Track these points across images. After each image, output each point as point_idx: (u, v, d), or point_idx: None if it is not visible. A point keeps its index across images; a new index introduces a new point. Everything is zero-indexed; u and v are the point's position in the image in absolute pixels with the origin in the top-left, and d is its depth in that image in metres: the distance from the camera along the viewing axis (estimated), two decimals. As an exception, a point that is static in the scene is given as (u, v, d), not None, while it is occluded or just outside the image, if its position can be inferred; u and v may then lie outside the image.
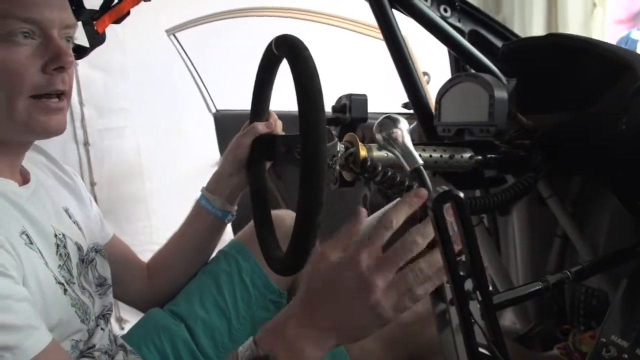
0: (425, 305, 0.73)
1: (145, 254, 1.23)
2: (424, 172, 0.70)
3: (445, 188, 0.61)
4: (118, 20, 1.17)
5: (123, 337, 1.09)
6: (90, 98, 2.76)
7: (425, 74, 1.56)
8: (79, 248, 0.93)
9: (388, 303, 0.67)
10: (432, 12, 1.19)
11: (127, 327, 2.40)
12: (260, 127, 1.06)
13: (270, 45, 0.91)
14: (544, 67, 1.16)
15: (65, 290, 0.83)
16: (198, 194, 1.16)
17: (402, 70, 1.22)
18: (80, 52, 1.05)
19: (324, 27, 2.15)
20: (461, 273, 0.62)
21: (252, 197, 1.06)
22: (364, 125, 1.05)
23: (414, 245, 0.67)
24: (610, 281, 1.13)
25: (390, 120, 0.75)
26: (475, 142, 1.05)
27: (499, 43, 1.28)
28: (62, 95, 0.84)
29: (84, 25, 1.12)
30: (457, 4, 1.26)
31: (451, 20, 1.25)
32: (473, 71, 1.18)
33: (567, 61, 1.11)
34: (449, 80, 1.13)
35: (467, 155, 1.03)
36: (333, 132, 0.95)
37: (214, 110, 2.88)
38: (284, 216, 1.15)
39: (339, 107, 1.05)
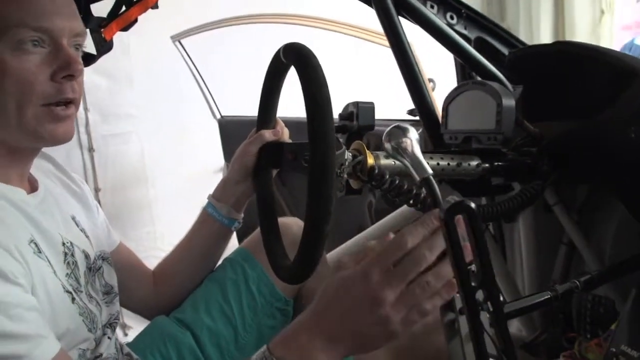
0: (433, 314, 0.73)
1: (149, 260, 1.23)
2: (434, 182, 0.70)
3: (456, 198, 0.61)
4: (126, 28, 1.17)
5: (129, 345, 1.09)
6: (95, 104, 2.76)
7: (430, 80, 1.56)
8: (87, 256, 0.93)
9: (397, 317, 0.67)
10: (438, 19, 1.19)
11: (131, 333, 2.40)
12: (267, 134, 1.06)
13: (278, 53, 0.91)
14: (550, 74, 1.16)
15: (73, 299, 0.83)
16: (203, 200, 1.16)
17: (408, 77, 1.22)
18: (88, 59, 1.05)
19: (330, 34, 2.15)
20: (472, 284, 0.62)
21: (259, 204, 1.05)
22: (370, 132, 1.05)
23: (423, 259, 0.67)
24: (618, 289, 1.12)
25: (399, 130, 0.75)
26: (482, 150, 1.05)
27: (504, 50, 1.28)
28: (71, 103, 0.84)
29: (91, 32, 1.13)
30: (463, 11, 1.26)
31: (457, 28, 1.25)
32: (479, 78, 1.18)
33: (574, 69, 1.11)
34: (456, 88, 1.13)
35: (474, 163, 1.03)
36: (340, 140, 0.95)
37: (218, 117, 2.89)
38: (291, 224, 1.15)
39: (346, 115, 1.04)
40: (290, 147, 1.01)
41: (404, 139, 0.74)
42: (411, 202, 0.90)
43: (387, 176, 0.87)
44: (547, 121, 1.12)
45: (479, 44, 1.27)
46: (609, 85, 1.03)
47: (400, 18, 1.19)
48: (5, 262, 0.72)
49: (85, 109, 2.72)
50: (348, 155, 0.87)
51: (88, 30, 1.07)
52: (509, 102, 1.03)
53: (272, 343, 0.73)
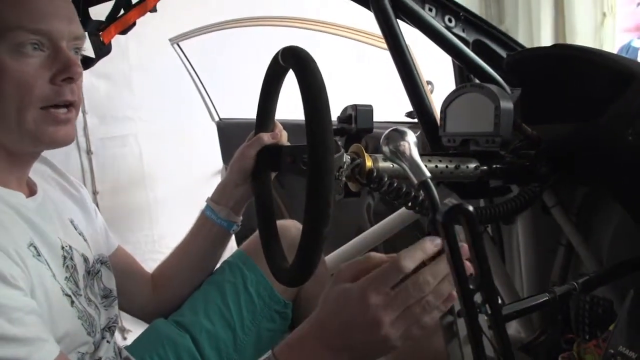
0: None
1: (148, 263, 1.23)
2: (432, 185, 0.70)
3: (454, 201, 0.61)
4: (124, 31, 1.18)
5: (127, 348, 1.09)
6: (94, 106, 2.77)
7: (428, 83, 1.56)
8: (85, 260, 0.93)
9: (396, 334, 0.68)
10: (436, 22, 1.19)
11: (130, 337, 2.40)
12: (266, 137, 1.06)
13: (276, 56, 0.91)
14: (548, 77, 1.16)
15: (72, 303, 0.83)
16: (201, 202, 1.16)
17: (406, 80, 1.22)
18: (87, 62, 1.06)
19: (329, 37, 2.15)
20: (470, 286, 0.62)
21: (258, 207, 1.05)
22: (369, 135, 1.05)
23: (426, 285, 0.67)
24: (616, 290, 1.13)
25: (397, 133, 0.75)
26: (480, 153, 1.05)
27: (503, 53, 1.28)
28: (71, 106, 0.84)
29: (90, 36, 1.13)
30: (461, 14, 1.26)
31: (455, 30, 1.25)
32: (477, 81, 1.18)
33: (572, 72, 1.11)
34: (454, 91, 1.13)
35: (472, 165, 1.03)
36: (339, 142, 0.95)
37: (217, 119, 2.89)
38: (289, 226, 1.15)
39: (345, 118, 1.04)
40: (288, 150, 1.01)
41: (401, 142, 0.74)
42: (409, 204, 0.90)
43: (386, 179, 0.87)
44: (545, 124, 1.12)
45: (477, 47, 1.28)
46: (607, 88, 1.03)
47: (399, 21, 1.19)
48: (4, 265, 0.72)
49: (84, 112, 2.72)
50: (346, 158, 0.87)
51: (86, 33, 1.07)
52: (507, 104, 1.03)
53: (278, 348, 0.74)
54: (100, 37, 1.16)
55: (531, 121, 1.10)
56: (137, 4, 1.22)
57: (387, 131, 0.76)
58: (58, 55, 0.81)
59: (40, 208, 0.88)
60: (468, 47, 1.23)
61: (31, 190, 0.90)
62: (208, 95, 2.85)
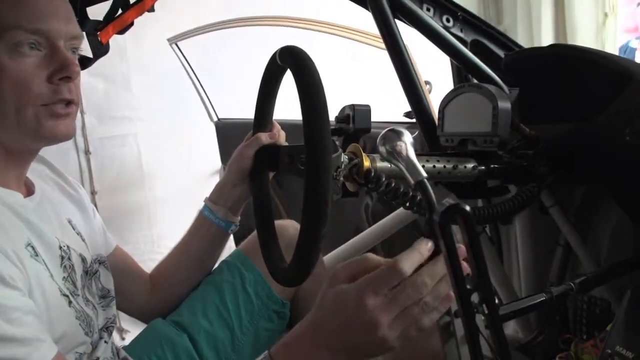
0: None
1: (146, 263, 1.23)
2: (428, 185, 0.70)
3: (451, 201, 0.61)
4: (122, 31, 1.18)
5: (125, 348, 1.09)
6: (92, 106, 2.76)
7: (427, 83, 1.56)
8: (83, 260, 0.93)
9: (394, 335, 0.68)
10: (434, 22, 1.19)
11: (128, 337, 2.40)
12: (264, 137, 1.06)
13: (274, 56, 0.91)
14: (547, 77, 1.17)
15: (70, 303, 0.83)
16: (200, 202, 1.16)
17: (404, 80, 1.22)
18: (84, 62, 1.05)
19: (326, 37, 2.15)
20: (468, 286, 0.62)
21: (256, 207, 1.05)
22: (366, 135, 1.05)
23: (424, 287, 0.67)
24: (614, 290, 1.13)
25: (394, 133, 0.75)
26: (478, 153, 1.05)
27: (500, 53, 1.28)
28: (70, 102, 0.84)
29: (88, 36, 1.13)
30: (459, 13, 1.26)
31: (453, 30, 1.25)
32: (475, 81, 1.18)
33: (570, 71, 1.12)
34: (452, 91, 1.13)
35: (470, 165, 1.03)
36: (336, 142, 0.95)
37: (215, 119, 2.89)
38: (287, 226, 1.16)
39: (343, 118, 1.04)
40: (286, 150, 1.01)
41: (398, 143, 0.74)
42: (407, 204, 0.90)
43: (383, 179, 0.87)
44: (543, 124, 1.12)
45: (475, 47, 1.28)
46: (605, 88, 1.03)
47: (397, 21, 1.19)
48: (2, 265, 0.72)
49: (82, 112, 2.71)
50: (344, 158, 0.87)
51: (84, 33, 1.07)
52: (504, 104, 1.03)
53: (275, 349, 0.74)
54: (98, 37, 1.16)
55: (529, 121, 1.10)
56: (134, 3, 1.22)
57: (383, 131, 0.76)
58: (55, 55, 0.81)
59: (38, 208, 0.88)
60: (466, 47, 1.24)
61: (29, 190, 0.90)
62: (206, 95, 2.85)
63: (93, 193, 2.78)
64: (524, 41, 3.20)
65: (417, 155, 0.76)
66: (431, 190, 0.69)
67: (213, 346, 1.11)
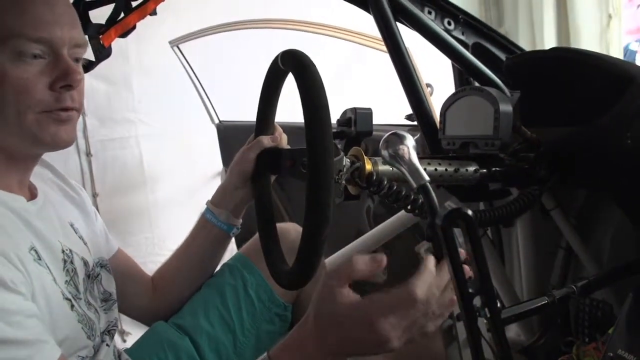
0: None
1: (148, 266, 1.23)
2: (430, 189, 0.70)
3: (453, 205, 0.61)
4: (124, 34, 1.18)
5: (127, 351, 1.09)
6: (93, 108, 2.76)
7: (428, 86, 1.56)
8: (85, 263, 0.93)
9: (397, 338, 0.69)
10: (435, 25, 1.19)
11: (130, 339, 2.40)
12: (266, 140, 1.07)
13: (276, 59, 0.92)
14: (548, 80, 1.17)
15: (72, 306, 0.83)
16: (201, 205, 1.16)
17: (405, 82, 1.22)
18: (87, 65, 1.05)
19: (328, 40, 2.15)
20: (470, 290, 0.62)
21: (258, 210, 1.06)
22: (368, 138, 1.05)
23: (433, 299, 0.69)
24: (616, 293, 1.13)
25: (396, 137, 0.75)
26: (480, 156, 1.05)
27: (502, 56, 1.28)
28: (72, 109, 0.84)
29: (90, 39, 1.13)
30: (460, 17, 1.26)
31: (455, 33, 1.25)
32: (477, 84, 1.18)
33: (571, 74, 1.12)
34: (454, 94, 1.13)
35: (472, 168, 1.03)
36: (338, 146, 0.95)
37: (216, 122, 2.89)
38: (289, 229, 1.16)
39: (344, 121, 1.04)
40: (288, 153, 1.01)
41: (400, 146, 0.74)
42: (409, 207, 0.90)
43: (385, 182, 0.87)
44: (545, 127, 1.12)
45: (477, 50, 1.28)
46: (606, 91, 1.03)
47: (398, 24, 1.19)
48: (5, 269, 0.72)
49: (84, 114, 2.71)
50: (346, 161, 0.87)
51: (87, 37, 1.07)
52: (506, 107, 1.03)
53: (275, 351, 0.74)
54: (101, 41, 1.17)
55: (530, 124, 1.10)
56: (137, 7, 1.22)
57: (386, 135, 0.77)
58: (58, 63, 0.81)
59: (41, 212, 0.88)
60: (467, 50, 1.23)
61: (32, 193, 0.90)
62: (208, 97, 2.85)
63: (94, 195, 2.78)
64: (525, 44, 3.19)
65: (419, 158, 0.77)
66: (433, 194, 0.69)
67: (215, 349, 1.11)
